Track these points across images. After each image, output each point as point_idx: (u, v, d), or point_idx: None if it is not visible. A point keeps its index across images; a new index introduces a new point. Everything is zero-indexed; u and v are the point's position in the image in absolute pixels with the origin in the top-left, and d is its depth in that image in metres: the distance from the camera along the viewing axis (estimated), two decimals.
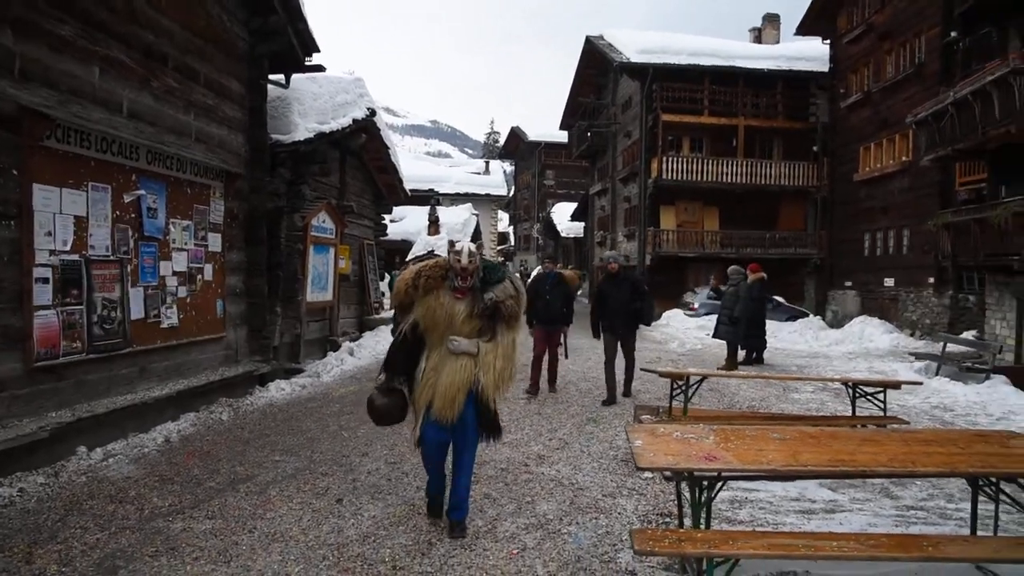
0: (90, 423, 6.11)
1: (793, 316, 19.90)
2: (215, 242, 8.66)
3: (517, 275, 4.51)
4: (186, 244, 8.02)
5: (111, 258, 6.67)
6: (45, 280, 5.86)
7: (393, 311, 6.27)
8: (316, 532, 4.44)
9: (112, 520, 4.61)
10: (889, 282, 19.06)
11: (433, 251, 16.89)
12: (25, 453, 5.41)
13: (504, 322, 4.26)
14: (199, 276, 8.29)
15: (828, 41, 22.91)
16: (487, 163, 54.61)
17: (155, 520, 4.62)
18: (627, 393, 9.19)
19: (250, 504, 4.96)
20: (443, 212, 23.42)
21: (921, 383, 9.34)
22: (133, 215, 7.05)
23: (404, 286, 4.26)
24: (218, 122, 8.66)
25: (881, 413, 7.08)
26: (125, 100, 6.87)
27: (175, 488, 5.32)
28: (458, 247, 4.24)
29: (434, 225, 21.56)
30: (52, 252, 5.93)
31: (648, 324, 9.60)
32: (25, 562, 3.93)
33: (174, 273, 7.78)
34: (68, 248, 6.11)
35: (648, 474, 5.59)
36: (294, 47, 9.92)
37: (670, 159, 24.42)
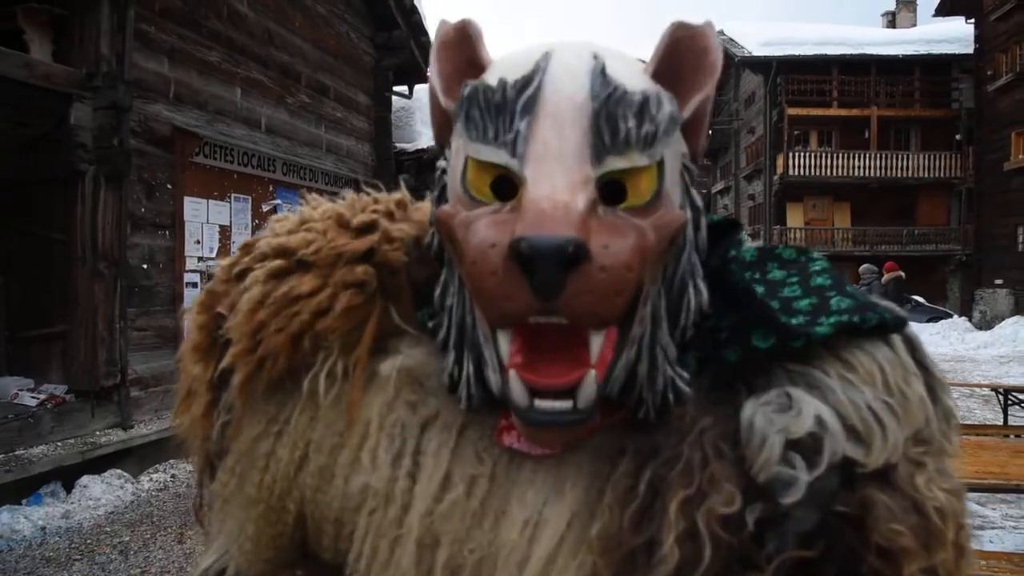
0: None
1: (935, 317, 18.53)
2: None
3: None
4: None
5: None
6: (194, 284, 6.38)
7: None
8: None
9: None
10: None
11: None
12: (177, 442, 5.92)
13: None
14: None
15: (972, 20, 21.17)
16: None
17: None
18: None
19: None
20: None
21: None
22: None
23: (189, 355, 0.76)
24: (346, 133, 9.13)
25: None
26: (263, 117, 7.38)
27: None
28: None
29: None
30: (200, 258, 6.46)
31: None
32: (178, 542, 4.30)
33: None
34: (213, 255, 6.63)
35: None
36: (416, 59, 10.30)
37: (797, 154, 23.39)
